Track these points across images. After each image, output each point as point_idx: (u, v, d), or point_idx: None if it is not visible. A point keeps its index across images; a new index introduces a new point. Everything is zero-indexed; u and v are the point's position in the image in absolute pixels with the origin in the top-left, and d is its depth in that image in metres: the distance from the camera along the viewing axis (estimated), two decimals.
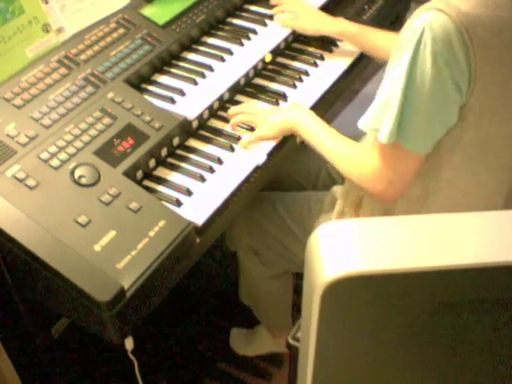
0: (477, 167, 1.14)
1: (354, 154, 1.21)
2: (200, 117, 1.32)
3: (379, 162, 1.13)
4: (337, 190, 1.41)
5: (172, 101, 1.30)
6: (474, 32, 1.00)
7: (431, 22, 1.00)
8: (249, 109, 1.35)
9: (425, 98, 1.03)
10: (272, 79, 1.50)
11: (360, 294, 0.69)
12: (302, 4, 1.59)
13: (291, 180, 1.65)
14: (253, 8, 1.63)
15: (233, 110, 1.36)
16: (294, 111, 1.32)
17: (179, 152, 1.28)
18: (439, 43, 1.00)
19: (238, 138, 1.31)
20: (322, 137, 1.26)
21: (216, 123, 1.37)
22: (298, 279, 1.73)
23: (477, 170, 1.14)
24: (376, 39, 1.48)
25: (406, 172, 1.12)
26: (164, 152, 1.24)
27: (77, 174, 1.08)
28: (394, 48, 1.13)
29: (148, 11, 1.42)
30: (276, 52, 1.56)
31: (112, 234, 1.01)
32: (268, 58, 1.53)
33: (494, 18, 1.03)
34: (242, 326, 1.88)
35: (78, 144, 1.12)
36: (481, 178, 1.16)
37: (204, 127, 1.35)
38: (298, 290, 1.72)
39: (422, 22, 1.02)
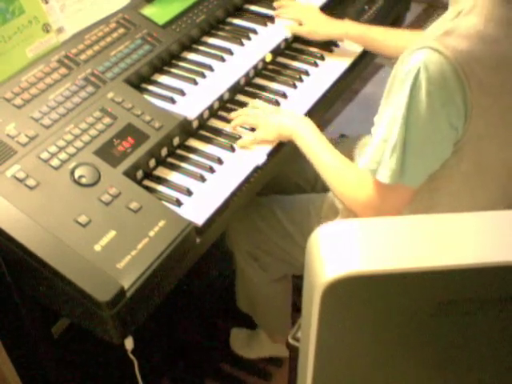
0: (475, 190, 1.14)
1: (350, 176, 1.20)
2: (200, 117, 1.32)
3: (372, 192, 1.13)
4: None
5: (172, 101, 1.30)
6: (470, 70, 0.99)
7: (426, 62, 0.99)
8: (250, 109, 1.35)
9: (421, 138, 1.04)
10: (272, 79, 1.50)
11: (360, 294, 0.69)
12: (307, 8, 1.58)
13: (290, 182, 1.65)
14: (253, 8, 1.63)
15: (235, 113, 1.36)
16: (294, 120, 1.31)
17: (179, 152, 1.28)
18: (435, 84, 0.99)
19: (238, 138, 1.31)
20: (318, 153, 1.25)
21: (216, 123, 1.37)
22: (298, 279, 1.73)
23: (475, 192, 1.15)
24: (384, 38, 1.48)
25: (398, 203, 1.13)
26: (164, 152, 1.24)
27: (77, 173, 1.08)
28: (387, 85, 1.13)
29: (148, 11, 1.42)
30: (276, 52, 1.56)
31: (112, 233, 1.01)
32: (268, 58, 1.53)
33: (494, 54, 1.02)
34: (243, 326, 1.88)
35: (78, 144, 1.13)
36: (478, 198, 1.16)
37: (204, 127, 1.35)
38: (298, 290, 1.72)
39: (416, 62, 1.01)
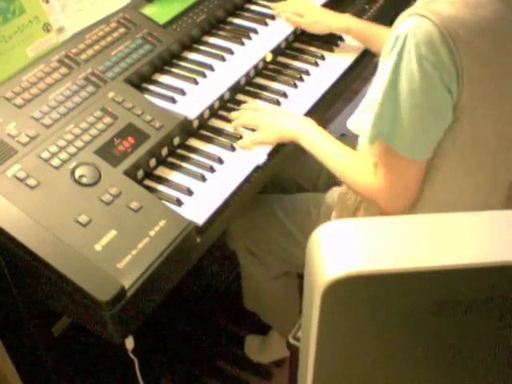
0: (471, 168, 1.13)
1: (359, 166, 1.20)
2: (201, 116, 1.32)
3: (384, 174, 1.13)
4: (335, 191, 1.41)
5: (173, 100, 1.30)
6: (456, 35, 1.00)
7: (413, 28, 1.00)
8: (251, 110, 1.35)
9: (416, 104, 1.03)
10: (273, 79, 1.50)
11: (360, 293, 0.69)
12: (307, 2, 1.59)
13: (291, 181, 1.65)
14: (253, 7, 1.63)
15: (235, 112, 1.36)
16: (296, 121, 1.31)
17: (180, 151, 1.28)
18: (423, 47, 1.00)
19: (239, 138, 1.31)
20: (325, 149, 1.26)
21: (217, 123, 1.37)
22: (300, 278, 1.73)
23: (471, 170, 1.14)
24: (385, 35, 1.48)
25: (410, 181, 1.12)
26: (165, 151, 1.24)
27: (77, 173, 1.08)
28: (380, 57, 1.13)
29: (149, 11, 1.42)
30: (277, 51, 1.56)
31: (113, 233, 1.01)
32: (269, 58, 1.53)
33: (477, 18, 1.02)
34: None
35: (79, 143, 1.13)
36: (475, 178, 1.15)
37: (205, 127, 1.35)
38: (298, 290, 1.72)
39: (404, 29, 1.01)
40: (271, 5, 1.61)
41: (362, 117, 1.15)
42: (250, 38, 1.50)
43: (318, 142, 1.27)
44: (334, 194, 1.42)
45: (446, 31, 0.99)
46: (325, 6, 1.64)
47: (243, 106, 1.39)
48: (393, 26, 1.10)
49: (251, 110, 1.36)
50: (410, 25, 1.01)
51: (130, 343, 1.11)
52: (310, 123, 1.30)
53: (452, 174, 1.14)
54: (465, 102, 1.05)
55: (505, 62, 1.07)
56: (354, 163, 1.22)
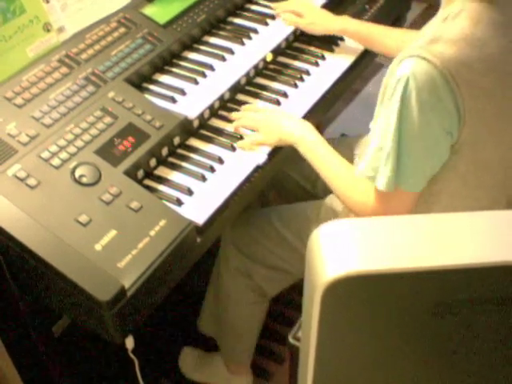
0: (472, 189, 1.15)
1: (353, 182, 1.21)
2: (201, 116, 1.33)
3: (376, 199, 1.14)
4: (335, 197, 1.40)
5: (173, 100, 1.30)
6: (459, 76, 1.00)
7: (414, 71, 1.00)
8: (252, 111, 1.35)
9: (416, 144, 1.05)
10: (273, 78, 1.50)
11: (360, 293, 0.69)
12: (306, 2, 1.59)
13: (291, 180, 1.65)
14: (254, 7, 1.63)
15: (236, 113, 1.36)
16: (297, 125, 1.31)
17: (180, 151, 1.28)
18: (424, 92, 1.00)
19: (239, 138, 1.31)
20: (321, 157, 1.26)
21: (217, 122, 1.37)
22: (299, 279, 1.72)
23: (472, 192, 1.15)
24: (383, 36, 1.48)
25: (402, 209, 1.13)
26: (165, 151, 1.24)
27: (77, 173, 1.08)
28: (380, 94, 1.14)
29: (149, 10, 1.42)
30: (277, 51, 1.56)
31: (113, 233, 1.01)
32: (269, 58, 1.53)
33: (482, 56, 1.02)
34: None
35: (79, 143, 1.13)
36: (477, 198, 1.16)
37: (205, 126, 1.35)
38: (299, 289, 1.71)
39: (405, 71, 1.02)
40: (272, 5, 1.61)
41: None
42: (250, 37, 1.50)
43: (315, 149, 1.27)
44: (332, 199, 1.42)
45: (448, 73, 0.99)
46: (325, 5, 1.64)
47: (244, 107, 1.39)
48: (392, 64, 1.11)
49: (252, 111, 1.36)
50: (411, 67, 1.01)
51: (130, 343, 1.11)
52: (311, 129, 1.30)
53: (455, 197, 1.15)
54: (465, 137, 1.06)
55: (508, 94, 1.07)
56: (348, 177, 1.22)
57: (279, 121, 1.32)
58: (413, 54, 1.02)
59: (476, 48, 1.02)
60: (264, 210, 1.53)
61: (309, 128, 1.30)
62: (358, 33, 1.51)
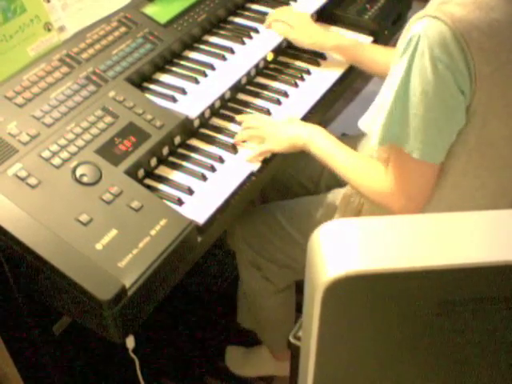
0: (480, 170, 1.13)
1: (370, 170, 1.19)
2: (201, 116, 1.33)
3: (396, 178, 1.12)
4: (337, 193, 1.40)
5: (173, 99, 1.30)
6: (469, 36, 1.00)
7: (426, 30, 1.00)
8: (255, 122, 1.33)
9: (430, 106, 1.03)
10: (274, 78, 1.50)
11: (361, 292, 0.69)
12: (298, 14, 1.55)
13: (293, 181, 1.65)
14: (254, 7, 1.63)
15: (241, 117, 1.35)
16: (304, 128, 1.30)
17: (181, 151, 1.28)
18: (437, 49, 0.99)
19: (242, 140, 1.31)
20: (335, 155, 1.24)
21: (217, 122, 1.37)
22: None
23: (480, 172, 1.14)
24: (373, 53, 1.46)
25: (424, 184, 1.11)
26: (165, 151, 1.24)
27: (78, 172, 1.08)
28: (392, 60, 1.12)
29: (150, 10, 1.42)
30: (278, 51, 1.56)
31: (113, 232, 1.01)
32: (270, 57, 1.53)
33: (489, 20, 1.02)
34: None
35: (80, 143, 1.13)
36: (483, 180, 1.15)
37: (205, 126, 1.35)
38: (299, 289, 1.72)
39: (416, 31, 1.01)
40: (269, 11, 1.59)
41: (374, 115, 1.14)
42: (250, 37, 1.50)
43: (328, 149, 1.25)
44: (335, 195, 1.41)
45: (458, 32, 0.99)
46: (326, 5, 1.64)
47: (240, 120, 1.36)
48: (405, 28, 1.10)
49: (254, 120, 1.34)
50: (423, 26, 1.01)
51: (130, 342, 1.11)
52: (318, 129, 1.29)
53: (462, 176, 1.13)
54: (476, 103, 1.05)
55: None
56: (364, 168, 1.21)
57: (283, 127, 1.31)
58: (424, 15, 1.02)
59: (483, 11, 1.02)
60: (269, 206, 1.53)
61: (318, 129, 1.29)
62: (351, 50, 1.48)
